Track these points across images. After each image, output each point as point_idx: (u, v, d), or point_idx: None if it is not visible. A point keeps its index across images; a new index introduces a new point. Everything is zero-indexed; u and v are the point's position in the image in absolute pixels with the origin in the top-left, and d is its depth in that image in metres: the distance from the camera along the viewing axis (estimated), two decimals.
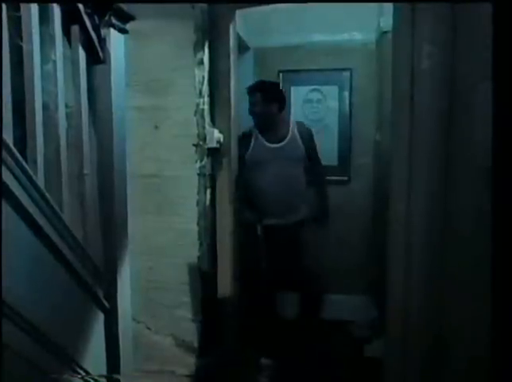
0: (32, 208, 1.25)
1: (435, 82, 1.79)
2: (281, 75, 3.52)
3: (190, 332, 2.35)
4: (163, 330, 2.37)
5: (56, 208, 1.37)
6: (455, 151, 1.71)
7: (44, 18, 1.39)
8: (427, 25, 1.80)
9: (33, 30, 1.30)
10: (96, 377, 1.44)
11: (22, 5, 1.27)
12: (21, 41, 1.32)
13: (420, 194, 1.83)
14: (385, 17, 3.06)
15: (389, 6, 2.13)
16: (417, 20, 1.84)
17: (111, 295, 1.69)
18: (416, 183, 1.83)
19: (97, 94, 1.65)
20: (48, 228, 1.32)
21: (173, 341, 2.37)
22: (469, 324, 1.49)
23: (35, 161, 1.30)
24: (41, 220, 1.29)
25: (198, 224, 2.27)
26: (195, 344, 2.35)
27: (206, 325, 2.39)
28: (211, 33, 2.30)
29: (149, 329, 2.39)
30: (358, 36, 3.45)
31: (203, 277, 2.34)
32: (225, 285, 2.42)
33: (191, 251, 2.29)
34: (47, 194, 1.33)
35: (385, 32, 3.01)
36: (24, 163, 1.22)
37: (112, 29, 1.65)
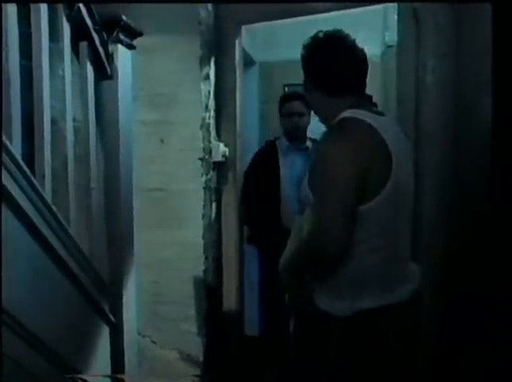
0: (38, 222, 1.26)
1: (440, 95, 1.80)
2: (286, 88, 3.53)
3: (195, 346, 2.33)
4: (168, 344, 2.36)
5: (63, 221, 1.38)
6: (462, 163, 1.71)
7: (54, 35, 1.42)
8: (431, 38, 1.81)
9: (43, 47, 1.33)
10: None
11: (33, 22, 1.30)
12: (31, 57, 1.35)
13: (427, 206, 1.82)
14: (390, 31, 3.09)
15: (394, 21, 2.15)
16: (422, 34, 1.85)
17: (117, 309, 1.69)
18: (424, 195, 1.82)
19: (104, 108, 1.68)
20: (54, 242, 1.33)
21: (178, 354, 2.35)
22: None
23: (43, 176, 1.31)
24: (48, 233, 1.30)
25: (203, 237, 2.27)
26: (201, 359, 2.34)
27: (211, 339, 2.37)
28: (217, 48, 2.33)
29: (154, 342, 2.37)
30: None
31: (208, 290, 2.33)
32: (230, 298, 2.41)
33: (196, 264, 2.29)
34: (54, 208, 1.34)
35: (390, 46, 3.03)
36: (32, 177, 1.23)
37: (120, 45, 1.68)
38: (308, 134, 2.59)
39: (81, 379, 1.38)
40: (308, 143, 2.58)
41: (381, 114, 1.33)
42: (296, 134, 2.54)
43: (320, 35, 1.34)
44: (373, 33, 3.36)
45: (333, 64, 1.29)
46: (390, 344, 1.28)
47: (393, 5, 2.29)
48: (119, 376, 1.58)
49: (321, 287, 1.35)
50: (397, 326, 1.28)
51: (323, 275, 1.32)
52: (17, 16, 1.21)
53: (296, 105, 2.46)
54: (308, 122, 2.50)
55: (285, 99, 2.56)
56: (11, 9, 1.18)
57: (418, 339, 1.38)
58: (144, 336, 2.34)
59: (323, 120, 1.38)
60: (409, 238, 1.35)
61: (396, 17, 2.10)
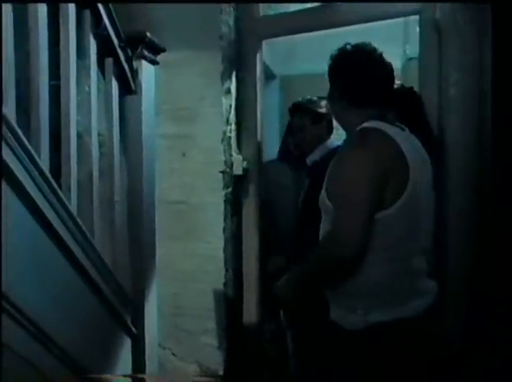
0: (64, 234, 1.28)
1: (463, 108, 1.77)
2: None
3: (215, 359, 2.32)
4: (188, 357, 2.35)
5: (88, 233, 1.41)
6: (485, 175, 1.68)
7: (81, 52, 1.47)
8: (454, 51, 1.80)
9: (71, 64, 1.37)
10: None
11: (62, 41, 1.34)
12: (59, 74, 1.39)
13: (450, 215, 1.79)
14: (411, 44, 3.08)
15: (415, 33, 2.14)
16: (444, 46, 1.84)
17: (138, 321, 1.70)
18: (449, 207, 1.79)
19: (128, 123, 1.71)
20: (79, 253, 1.35)
21: (198, 368, 2.34)
22: None
23: (69, 188, 1.34)
24: (73, 245, 1.32)
25: (224, 250, 2.28)
26: (220, 372, 2.32)
27: (231, 353, 2.36)
28: (239, 63, 2.35)
29: (174, 355, 2.37)
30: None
31: (228, 304, 2.33)
32: (251, 312, 2.40)
33: (217, 277, 2.29)
34: (79, 220, 1.36)
35: (411, 59, 3.02)
36: (58, 190, 1.26)
37: (144, 61, 1.72)
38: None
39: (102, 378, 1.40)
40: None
41: (402, 128, 1.34)
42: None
43: (348, 47, 1.38)
44: (393, 46, 3.36)
45: (358, 76, 1.32)
46: (402, 359, 1.27)
47: (414, 18, 2.29)
48: (139, 375, 1.59)
49: (333, 300, 1.36)
50: (409, 340, 1.27)
51: (334, 285, 1.32)
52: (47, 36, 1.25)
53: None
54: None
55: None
56: (42, 32, 1.23)
57: (433, 354, 1.35)
58: (164, 348, 2.34)
59: (344, 129, 1.41)
60: (426, 253, 1.34)
61: (418, 29, 2.09)
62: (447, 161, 1.80)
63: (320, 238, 1.38)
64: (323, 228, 1.37)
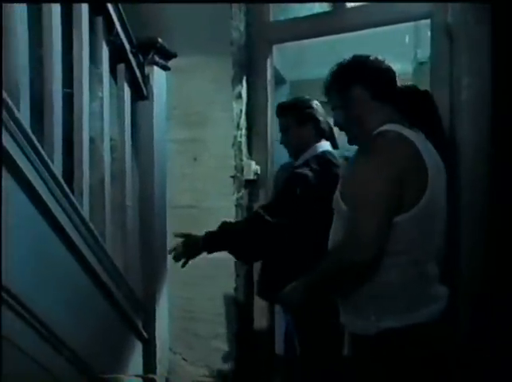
0: (76, 238, 1.29)
1: (475, 112, 1.76)
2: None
3: (225, 364, 2.32)
4: (198, 361, 2.35)
5: (99, 237, 1.42)
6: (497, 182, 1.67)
7: (94, 58, 1.48)
8: (465, 54, 1.79)
9: (84, 69, 1.39)
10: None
11: (75, 47, 1.36)
12: (72, 79, 1.41)
13: (464, 223, 1.77)
14: (422, 48, 3.06)
15: (426, 37, 2.13)
16: (455, 50, 1.83)
17: (149, 325, 1.71)
18: (461, 210, 1.77)
19: (140, 128, 1.73)
20: (90, 257, 1.36)
21: (208, 372, 2.34)
22: None
23: (81, 193, 1.36)
24: (84, 249, 1.33)
25: None
26: (230, 377, 2.32)
27: (241, 357, 2.35)
28: (249, 68, 2.37)
29: (184, 360, 2.37)
30: (394, 67, 3.45)
31: (239, 308, 2.32)
32: (261, 317, 2.40)
33: (227, 282, 2.29)
34: (91, 224, 1.38)
35: (422, 63, 3.00)
36: (71, 195, 1.27)
37: (155, 67, 1.73)
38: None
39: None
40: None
41: (415, 130, 1.34)
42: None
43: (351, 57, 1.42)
44: (404, 51, 3.35)
45: (379, 69, 1.38)
46: (414, 365, 1.26)
47: (425, 22, 2.28)
48: (150, 375, 1.60)
49: (345, 304, 1.35)
50: (421, 347, 1.26)
51: (347, 289, 1.31)
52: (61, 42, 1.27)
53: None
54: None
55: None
56: (56, 38, 1.24)
57: (445, 360, 1.34)
58: (175, 353, 2.34)
59: (359, 135, 1.39)
60: (438, 259, 1.33)
61: (429, 33, 2.09)
62: (459, 164, 1.79)
63: (331, 241, 1.38)
64: (335, 230, 1.36)
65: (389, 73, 1.39)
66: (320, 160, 1.92)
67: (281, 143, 2.13)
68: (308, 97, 2.10)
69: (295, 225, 1.76)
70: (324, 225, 1.44)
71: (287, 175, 2.00)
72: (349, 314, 1.34)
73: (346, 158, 2.01)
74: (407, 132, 1.29)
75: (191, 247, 1.74)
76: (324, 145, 2.01)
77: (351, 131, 1.41)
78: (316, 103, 2.07)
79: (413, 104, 1.47)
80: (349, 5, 2.21)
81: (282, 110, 2.08)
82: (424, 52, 2.76)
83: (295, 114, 2.02)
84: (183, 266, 1.75)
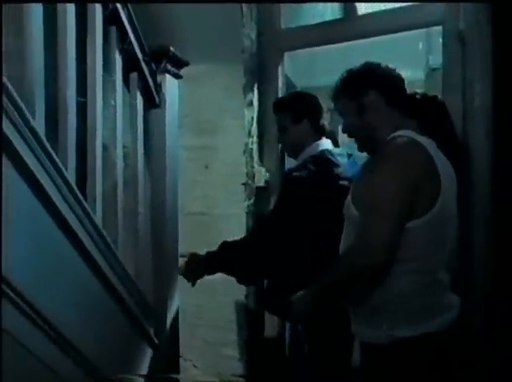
0: (89, 244, 1.31)
1: (487, 118, 1.74)
2: (329, 113, 3.54)
3: (236, 371, 2.31)
4: (209, 368, 2.35)
5: (112, 244, 1.43)
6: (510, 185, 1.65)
7: (107, 67, 1.50)
8: (478, 60, 1.78)
9: (97, 78, 1.41)
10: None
11: (89, 56, 1.38)
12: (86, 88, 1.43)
13: (476, 231, 1.75)
14: (434, 54, 3.05)
15: (438, 44, 2.12)
16: (468, 56, 1.82)
17: (160, 331, 1.71)
18: (473, 217, 1.75)
19: (152, 135, 1.74)
20: (102, 263, 1.37)
21: (218, 379, 2.33)
22: None
23: (94, 200, 1.37)
24: (97, 255, 1.34)
25: None
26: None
27: (252, 365, 2.34)
28: (260, 75, 2.37)
29: (195, 366, 2.37)
30: (405, 74, 3.43)
31: (249, 315, 2.32)
32: (272, 324, 2.38)
33: (238, 289, 2.29)
34: (104, 231, 1.39)
35: (435, 69, 2.99)
36: (84, 201, 1.29)
37: (167, 75, 1.75)
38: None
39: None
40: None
41: (427, 137, 1.34)
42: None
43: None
44: (416, 57, 3.33)
45: (393, 75, 1.39)
46: (427, 375, 1.24)
47: (436, 29, 2.27)
48: (173, 375, 1.60)
49: (356, 313, 1.34)
50: (435, 356, 1.24)
51: (358, 297, 1.30)
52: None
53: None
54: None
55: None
56: (70, 47, 1.27)
57: (459, 369, 1.32)
58: (186, 359, 2.34)
59: (371, 141, 1.38)
60: (449, 266, 1.32)
61: (440, 39, 2.08)
62: (472, 170, 1.77)
63: (342, 247, 1.37)
64: (346, 236, 1.35)
65: (401, 80, 1.40)
66: (317, 160, 1.79)
67: (278, 143, 2.04)
68: (305, 91, 1.96)
69: (298, 232, 1.69)
70: (329, 228, 1.41)
71: (282, 180, 1.91)
72: (360, 323, 1.33)
73: (349, 155, 1.92)
74: (420, 138, 1.29)
75: (194, 267, 1.70)
76: (324, 143, 1.87)
77: (363, 138, 1.41)
78: (314, 97, 1.92)
79: (425, 112, 1.46)
80: (360, 12, 2.22)
81: (277, 107, 1.95)
82: (436, 59, 2.75)
83: (290, 111, 1.87)
84: (192, 286, 1.71)
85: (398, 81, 1.39)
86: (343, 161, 1.83)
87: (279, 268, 1.80)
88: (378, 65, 1.40)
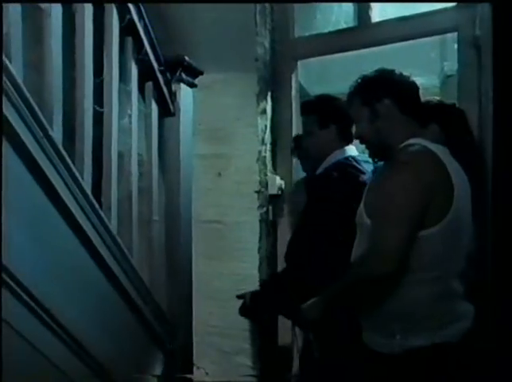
0: (104, 252, 1.32)
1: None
2: None
3: (249, 379, 2.30)
4: (221, 377, 2.34)
5: (126, 251, 1.44)
6: None
7: (123, 77, 1.52)
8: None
9: (113, 88, 1.43)
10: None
11: (106, 67, 1.40)
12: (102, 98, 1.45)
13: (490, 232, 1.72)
14: (449, 61, 3.03)
15: (453, 50, 2.11)
16: (483, 62, 1.81)
17: (174, 339, 1.71)
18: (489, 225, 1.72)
19: (166, 144, 1.76)
20: (117, 271, 1.38)
21: None
22: None
23: (109, 208, 1.38)
24: (112, 263, 1.35)
25: (259, 270, 2.27)
26: None
27: (265, 373, 2.33)
28: (274, 84, 2.39)
29: (208, 374, 2.37)
30: (420, 80, 3.41)
31: (263, 324, 2.31)
32: (285, 332, 2.37)
33: None
34: (118, 238, 1.40)
35: (450, 76, 2.96)
36: (99, 209, 1.30)
37: (182, 84, 1.77)
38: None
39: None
40: None
41: (440, 145, 1.33)
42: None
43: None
44: (430, 64, 3.31)
45: (409, 82, 1.39)
46: None
47: (451, 35, 2.26)
48: (188, 376, 1.60)
49: (367, 322, 1.33)
50: (449, 366, 1.23)
51: (370, 306, 1.29)
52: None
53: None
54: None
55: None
56: (88, 58, 1.29)
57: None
58: (198, 367, 2.34)
59: (383, 148, 1.38)
60: (463, 276, 1.30)
61: (455, 46, 2.07)
62: (488, 177, 1.75)
63: (354, 256, 1.36)
64: (358, 245, 1.35)
65: (415, 88, 1.39)
66: (342, 166, 1.70)
67: (291, 154, 2.00)
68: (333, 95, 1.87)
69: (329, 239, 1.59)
70: (346, 238, 1.39)
71: (308, 188, 1.82)
72: (371, 332, 1.32)
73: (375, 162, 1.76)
74: (432, 146, 1.28)
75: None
76: (349, 149, 1.79)
77: (374, 145, 1.40)
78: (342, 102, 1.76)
79: (443, 119, 1.45)
80: (374, 20, 2.22)
81: (302, 108, 1.89)
82: (452, 65, 2.73)
83: (316, 114, 1.78)
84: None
85: (413, 89, 1.39)
86: (368, 167, 1.74)
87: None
88: (393, 72, 1.40)
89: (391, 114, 1.35)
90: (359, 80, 1.42)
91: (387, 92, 1.36)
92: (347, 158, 1.75)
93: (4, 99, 0.93)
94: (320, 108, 1.81)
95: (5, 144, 0.94)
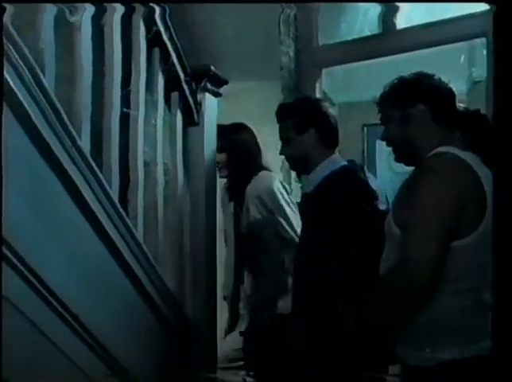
0: (131, 260, 1.34)
1: None
2: (365, 129, 3.50)
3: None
4: None
5: (151, 258, 1.46)
6: None
7: (149, 87, 1.55)
8: None
9: (140, 99, 1.45)
10: None
11: (133, 79, 1.43)
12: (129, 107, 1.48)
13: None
14: (477, 67, 2.97)
15: (482, 56, 2.07)
16: None
17: (199, 346, 1.71)
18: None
19: (191, 152, 1.77)
20: (143, 278, 1.40)
21: None
22: None
23: (136, 216, 1.41)
24: (138, 271, 1.37)
25: None
26: None
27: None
28: (298, 92, 2.39)
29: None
30: None
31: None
32: None
33: None
34: (144, 246, 1.42)
35: (478, 82, 2.91)
36: (126, 218, 1.33)
37: (207, 93, 1.78)
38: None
39: None
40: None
41: (471, 153, 1.30)
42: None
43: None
44: (458, 70, 3.25)
45: (443, 88, 1.33)
46: None
47: (480, 41, 2.22)
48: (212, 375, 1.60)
49: (400, 335, 1.30)
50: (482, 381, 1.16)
51: (402, 318, 1.26)
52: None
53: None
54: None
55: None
56: (116, 70, 1.32)
57: None
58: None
59: (411, 154, 1.35)
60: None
61: (484, 51, 2.03)
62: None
63: (382, 268, 1.33)
64: (387, 255, 1.32)
65: (452, 96, 1.34)
66: (345, 177, 1.56)
67: (280, 154, 1.73)
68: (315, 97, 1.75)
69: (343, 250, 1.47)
70: (364, 246, 1.37)
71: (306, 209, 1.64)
72: (404, 345, 1.29)
73: (362, 169, 1.69)
74: (463, 154, 1.25)
75: None
76: (338, 158, 1.64)
77: (402, 149, 1.37)
78: (323, 103, 1.68)
79: (468, 126, 1.42)
80: (399, 26, 2.20)
81: (278, 114, 1.67)
82: (479, 71, 2.67)
83: (293, 118, 1.60)
84: None
85: (450, 97, 1.33)
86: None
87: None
88: (432, 77, 1.34)
89: (422, 121, 1.32)
90: (395, 81, 1.37)
91: (421, 98, 1.31)
92: (345, 167, 1.60)
93: (36, 110, 0.96)
94: (295, 111, 1.62)
95: (35, 152, 0.98)
